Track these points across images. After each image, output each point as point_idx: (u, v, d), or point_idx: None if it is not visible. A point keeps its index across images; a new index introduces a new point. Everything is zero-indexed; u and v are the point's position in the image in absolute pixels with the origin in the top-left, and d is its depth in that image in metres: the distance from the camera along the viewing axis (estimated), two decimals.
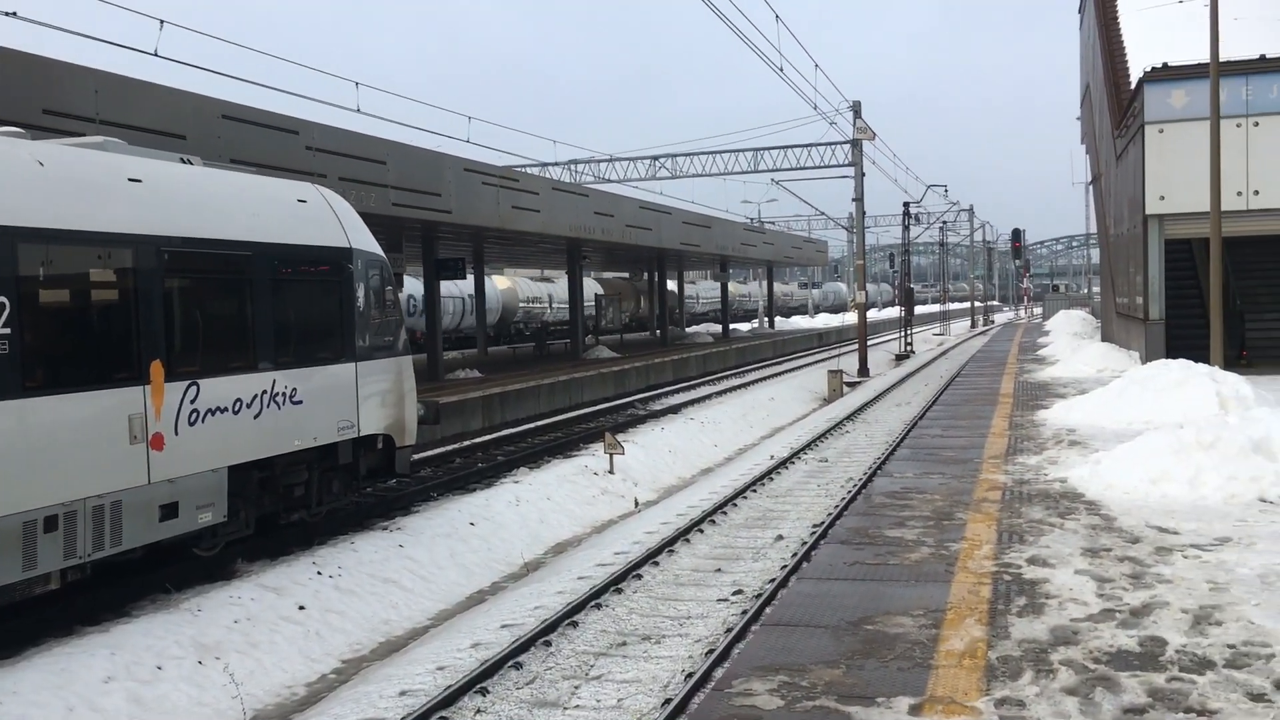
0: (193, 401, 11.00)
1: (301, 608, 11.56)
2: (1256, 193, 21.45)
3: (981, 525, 8.59)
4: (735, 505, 15.56)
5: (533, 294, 57.00)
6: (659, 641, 9.30)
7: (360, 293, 14.00)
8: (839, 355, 47.94)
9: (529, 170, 43.89)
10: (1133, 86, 24.15)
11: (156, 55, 13.86)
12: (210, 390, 11.21)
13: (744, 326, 73.45)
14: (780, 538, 13.24)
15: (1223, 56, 18.52)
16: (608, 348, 42.86)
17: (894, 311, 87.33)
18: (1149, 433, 10.35)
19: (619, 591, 10.91)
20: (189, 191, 11.42)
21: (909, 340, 54.26)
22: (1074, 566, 7.24)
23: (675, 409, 29.36)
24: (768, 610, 6.72)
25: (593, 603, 10.42)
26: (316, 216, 13.39)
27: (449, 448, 22.43)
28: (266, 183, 12.94)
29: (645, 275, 55.60)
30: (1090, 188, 48.19)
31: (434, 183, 23.36)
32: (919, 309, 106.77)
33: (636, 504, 18.68)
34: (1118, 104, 26.75)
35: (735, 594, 10.75)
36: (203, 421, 11.11)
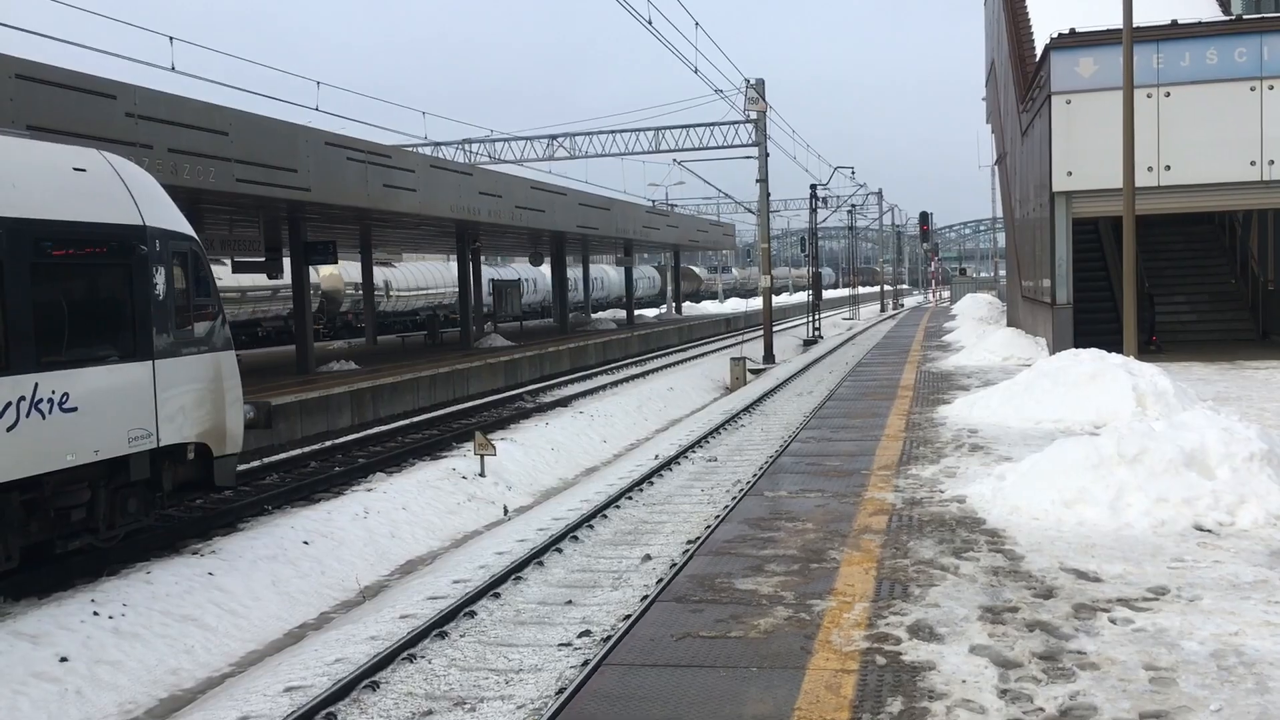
0: None
1: (64, 659, 9.53)
2: (1168, 168, 20.28)
3: (858, 569, 6.83)
4: (605, 516, 13.87)
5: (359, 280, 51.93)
6: (474, 708, 7.52)
7: (159, 279, 11.92)
8: (746, 341, 46.56)
9: (420, 150, 41.65)
10: (1038, 56, 22.92)
11: None
12: None
13: (651, 312, 71.86)
14: (648, 558, 11.59)
15: (1134, 23, 17.25)
16: (503, 336, 40.85)
17: (804, 296, 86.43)
18: (1061, 441, 8.71)
19: (443, 636, 9.10)
20: None
21: (817, 325, 53.20)
22: (969, 640, 5.47)
23: (565, 401, 27.57)
24: None
25: (405, 653, 8.59)
26: (98, 189, 11.28)
27: (308, 449, 20.38)
28: (30, 147, 10.80)
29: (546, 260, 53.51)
30: (995, 169, 47.43)
31: (288, 157, 21.15)
32: (830, 293, 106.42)
33: (506, 511, 16.85)
34: (1023, 77, 25.53)
35: (582, 635, 9.04)
36: None
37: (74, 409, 10.56)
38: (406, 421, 23.87)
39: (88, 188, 11.12)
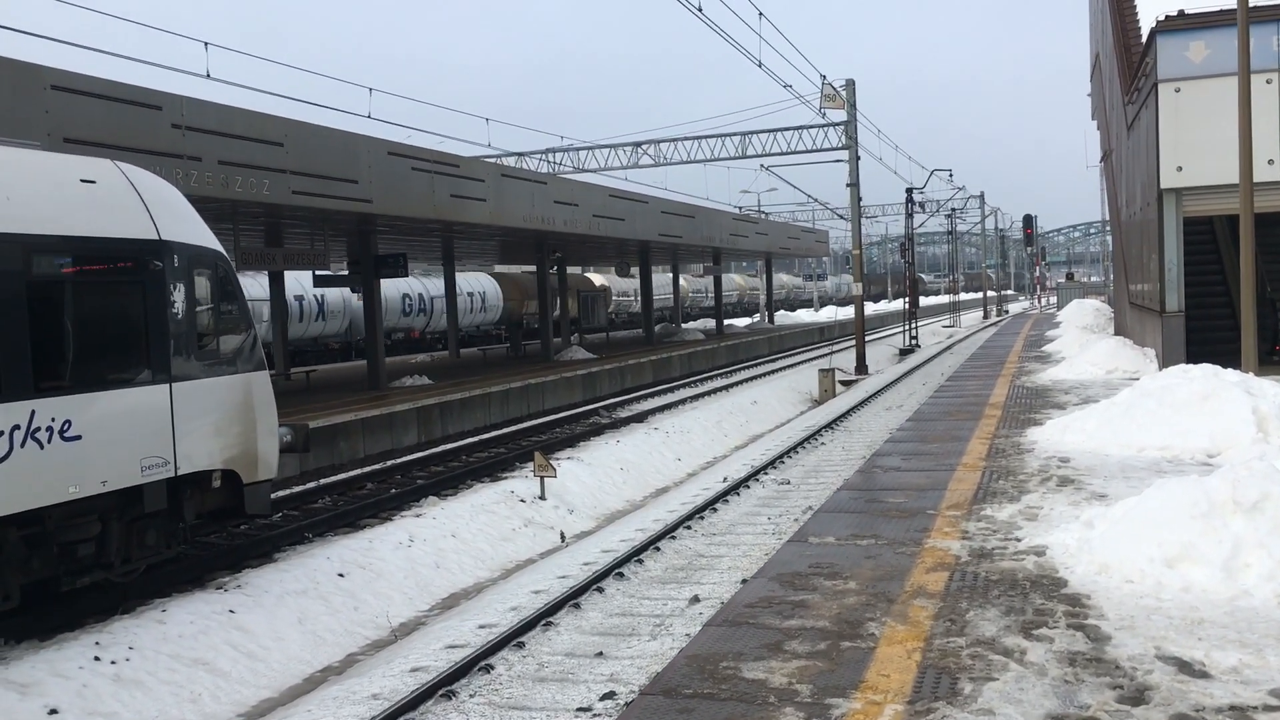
0: None
1: (53, 711, 8.81)
2: None
3: (899, 650, 5.61)
4: (659, 549, 12.77)
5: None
6: None
7: (178, 296, 11.21)
8: (838, 351, 45.00)
9: (502, 160, 41.17)
10: (1144, 42, 21.17)
11: None
12: None
13: (741, 322, 70.51)
14: (697, 599, 10.47)
15: (1250, 1, 15.56)
16: (585, 348, 40.02)
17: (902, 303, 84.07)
18: (1163, 482, 7.28)
19: (450, 696, 8.11)
20: None
21: (914, 334, 51.34)
22: None
23: (641, 417, 26.54)
24: None
25: (403, 719, 7.62)
26: (110, 201, 10.61)
27: (369, 469, 19.68)
28: (33, 158, 10.17)
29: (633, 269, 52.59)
30: (1102, 167, 45.04)
31: (348, 168, 20.54)
32: (930, 300, 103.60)
33: (563, 538, 15.87)
34: (1128, 66, 23.72)
35: (605, 698, 7.97)
36: None
37: (77, 437, 9.87)
38: (475, 439, 23.09)
39: (97, 200, 10.46)
